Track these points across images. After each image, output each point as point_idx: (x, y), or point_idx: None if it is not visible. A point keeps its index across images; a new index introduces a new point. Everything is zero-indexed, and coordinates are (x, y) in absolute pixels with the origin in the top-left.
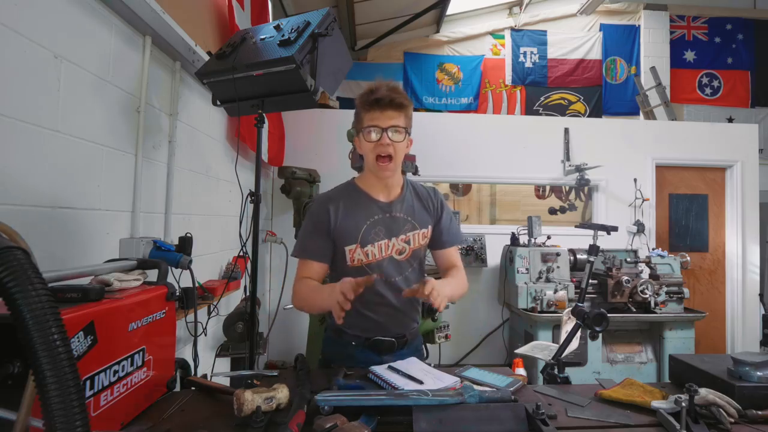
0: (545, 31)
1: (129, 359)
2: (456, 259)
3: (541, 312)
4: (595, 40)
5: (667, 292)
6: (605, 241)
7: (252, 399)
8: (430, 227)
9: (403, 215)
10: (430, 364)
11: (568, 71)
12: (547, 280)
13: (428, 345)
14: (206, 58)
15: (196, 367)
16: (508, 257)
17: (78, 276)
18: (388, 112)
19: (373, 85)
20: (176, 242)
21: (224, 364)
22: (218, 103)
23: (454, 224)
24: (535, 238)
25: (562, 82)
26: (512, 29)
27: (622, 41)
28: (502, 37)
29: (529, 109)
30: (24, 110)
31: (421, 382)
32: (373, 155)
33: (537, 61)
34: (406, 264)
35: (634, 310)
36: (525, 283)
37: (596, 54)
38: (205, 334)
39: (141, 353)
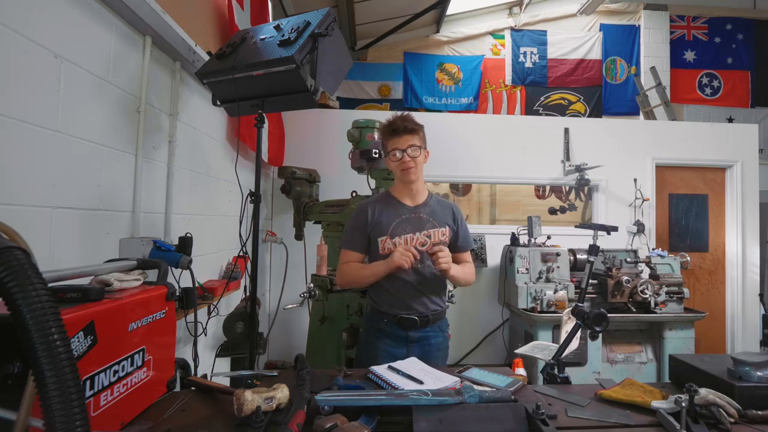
0: (545, 31)
1: (129, 359)
2: (466, 257)
3: (541, 312)
4: (595, 40)
5: (667, 292)
6: (605, 241)
7: (252, 399)
8: (448, 228)
9: (426, 216)
10: (430, 364)
11: (568, 71)
12: (547, 280)
13: None
14: (206, 58)
15: (196, 367)
16: (508, 257)
17: (78, 276)
18: (405, 137)
19: (390, 118)
20: (176, 242)
21: (224, 364)
22: (218, 103)
23: (468, 234)
24: (535, 238)
25: (562, 82)
26: (512, 29)
27: (622, 41)
28: (502, 37)
29: (529, 109)
30: (24, 110)
31: (421, 382)
32: (399, 169)
33: (537, 61)
34: (427, 254)
35: (634, 310)
36: (525, 283)
37: (596, 54)
38: (205, 334)
39: (141, 353)
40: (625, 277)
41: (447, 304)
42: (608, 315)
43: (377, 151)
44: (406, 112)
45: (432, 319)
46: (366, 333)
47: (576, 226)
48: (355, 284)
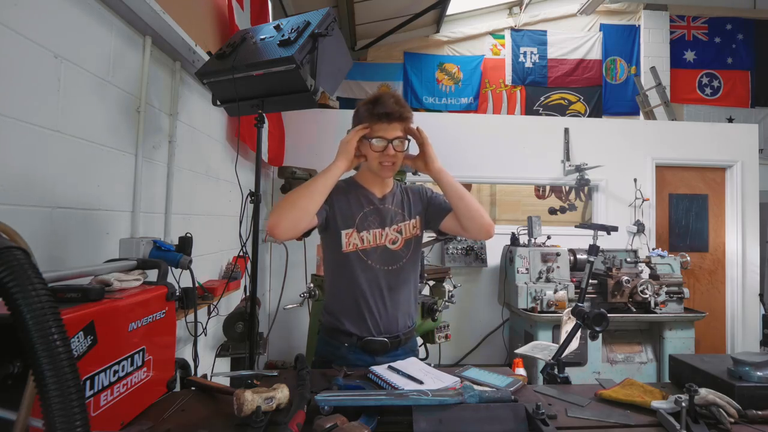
0: (545, 31)
1: (129, 359)
2: None
3: (541, 312)
4: (595, 40)
5: (667, 292)
6: (605, 241)
7: (252, 399)
8: (418, 218)
9: (394, 207)
10: (430, 364)
11: (568, 71)
12: (547, 280)
13: (428, 345)
14: (206, 58)
15: (196, 367)
16: (508, 257)
17: (78, 276)
18: (394, 125)
19: (378, 95)
20: (176, 242)
21: (224, 364)
22: (218, 103)
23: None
24: (535, 238)
25: (562, 82)
26: (512, 29)
27: (622, 41)
28: (502, 37)
29: (529, 109)
30: (24, 110)
31: (421, 382)
32: (377, 161)
33: (537, 61)
34: (400, 254)
35: (634, 310)
36: (525, 283)
37: (596, 54)
38: (205, 334)
39: (141, 353)
40: (625, 277)
41: (417, 321)
42: (608, 315)
43: None
44: (396, 93)
45: (403, 340)
46: (321, 361)
47: (576, 226)
48: (292, 210)
